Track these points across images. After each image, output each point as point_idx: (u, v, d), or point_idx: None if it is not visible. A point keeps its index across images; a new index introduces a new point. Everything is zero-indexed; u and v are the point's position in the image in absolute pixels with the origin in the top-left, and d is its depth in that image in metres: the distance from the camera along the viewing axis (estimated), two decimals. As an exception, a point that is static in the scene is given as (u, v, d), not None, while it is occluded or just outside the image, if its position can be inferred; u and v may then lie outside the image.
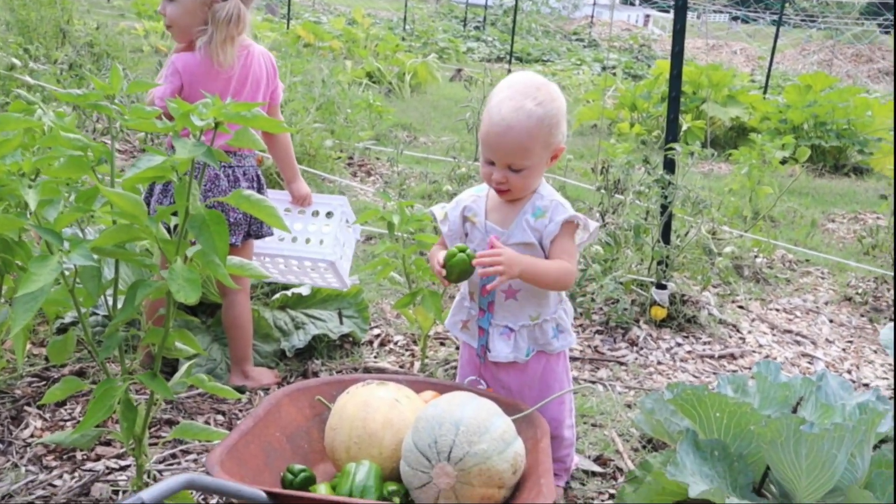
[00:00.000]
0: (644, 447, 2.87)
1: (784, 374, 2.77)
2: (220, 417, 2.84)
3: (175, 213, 1.96)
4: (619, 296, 3.70)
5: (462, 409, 1.77)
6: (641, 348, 3.79)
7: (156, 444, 2.57)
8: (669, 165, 3.87)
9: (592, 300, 3.76)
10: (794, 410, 2.48)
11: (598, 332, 3.91)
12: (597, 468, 2.70)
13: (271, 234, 3.06)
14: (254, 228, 2.98)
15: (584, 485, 2.61)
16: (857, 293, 5.00)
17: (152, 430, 2.67)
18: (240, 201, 1.91)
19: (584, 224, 2.25)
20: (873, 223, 7.25)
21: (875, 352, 4.10)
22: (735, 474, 2.46)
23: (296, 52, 7.39)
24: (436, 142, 8.59)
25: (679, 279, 4.19)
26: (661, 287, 3.97)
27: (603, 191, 4.59)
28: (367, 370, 3.25)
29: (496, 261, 2.11)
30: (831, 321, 4.53)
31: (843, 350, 4.11)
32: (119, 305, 1.99)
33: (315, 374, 3.22)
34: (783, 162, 7.05)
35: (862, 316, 4.70)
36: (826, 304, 4.86)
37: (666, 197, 3.76)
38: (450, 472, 1.71)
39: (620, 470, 2.71)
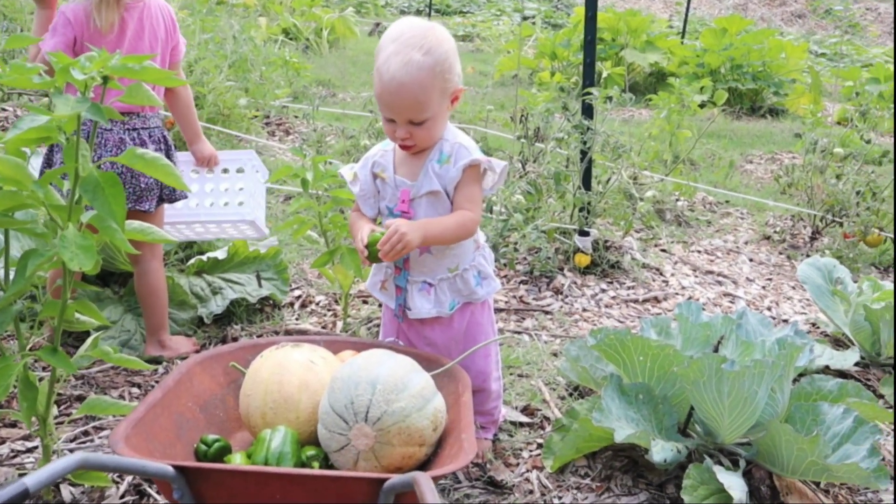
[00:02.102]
0: (571, 395, 2.87)
1: (706, 315, 2.79)
2: (135, 390, 2.73)
3: (66, 176, 1.83)
4: (542, 244, 3.67)
5: (379, 367, 1.71)
6: (566, 296, 3.78)
7: (63, 422, 2.45)
8: (588, 111, 3.83)
9: (516, 250, 3.73)
10: (716, 350, 2.50)
11: (522, 282, 3.89)
12: (524, 419, 2.68)
13: (185, 196, 2.93)
14: (166, 192, 2.86)
15: (511, 436, 2.59)
16: (774, 232, 5.09)
17: (62, 407, 2.55)
18: (133, 160, 1.80)
19: (489, 166, 2.19)
20: (789, 163, 7.39)
21: (793, 288, 4.18)
22: (660, 416, 2.47)
23: (207, 8, 7.11)
24: (355, 97, 8.43)
25: (602, 225, 4.19)
26: (584, 234, 3.97)
27: (523, 140, 4.54)
28: (287, 333, 3.16)
29: (396, 242, 2.03)
30: (751, 260, 4.60)
31: (763, 288, 4.18)
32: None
33: (234, 340, 3.13)
34: (702, 105, 7.10)
35: (780, 254, 4.79)
36: (746, 243, 4.93)
37: (585, 143, 3.73)
38: (368, 433, 1.66)
39: (548, 419, 2.70)
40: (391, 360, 1.75)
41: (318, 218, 2.96)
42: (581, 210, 3.86)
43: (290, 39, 10.53)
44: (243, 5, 11.56)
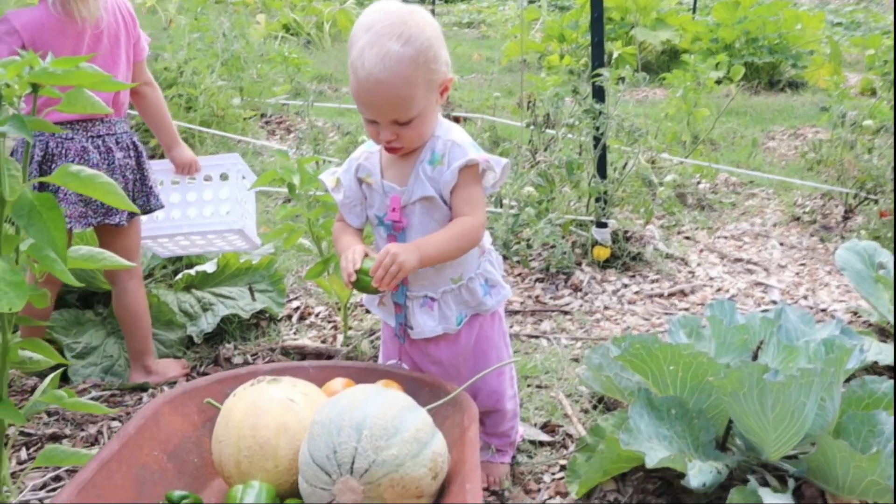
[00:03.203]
0: (595, 407, 2.60)
1: (739, 314, 2.51)
2: (115, 424, 2.49)
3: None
4: (557, 240, 3.40)
5: (365, 407, 1.46)
6: (586, 293, 3.51)
7: (28, 469, 2.21)
8: (599, 94, 3.55)
9: (529, 246, 3.46)
10: (755, 356, 2.22)
11: (538, 280, 3.62)
12: (545, 437, 2.42)
13: (161, 206, 2.69)
14: (139, 203, 2.62)
15: (531, 457, 2.34)
16: (804, 212, 4.79)
17: (32, 449, 2.31)
18: (66, 179, 1.55)
19: (488, 165, 1.91)
20: (813, 137, 7.06)
21: (829, 273, 3.89)
22: (696, 432, 2.20)
23: (202, 7, 6.85)
24: (359, 91, 8.16)
25: (620, 215, 3.92)
26: (602, 225, 3.69)
27: (532, 127, 4.26)
28: (284, 350, 2.91)
29: (389, 264, 1.77)
30: (781, 244, 4.30)
31: (797, 275, 3.89)
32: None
33: (227, 361, 2.89)
34: (718, 82, 6.80)
35: (812, 236, 4.49)
36: (774, 226, 4.64)
37: (598, 128, 3.45)
38: (355, 488, 1.40)
39: (571, 437, 2.44)
40: (380, 398, 1.49)
41: (308, 225, 2.71)
42: (597, 200, 3.58)
43: (292, 35, 10.28)
44: (243, 3, 11.31)
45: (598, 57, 3.43)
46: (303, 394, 1.64)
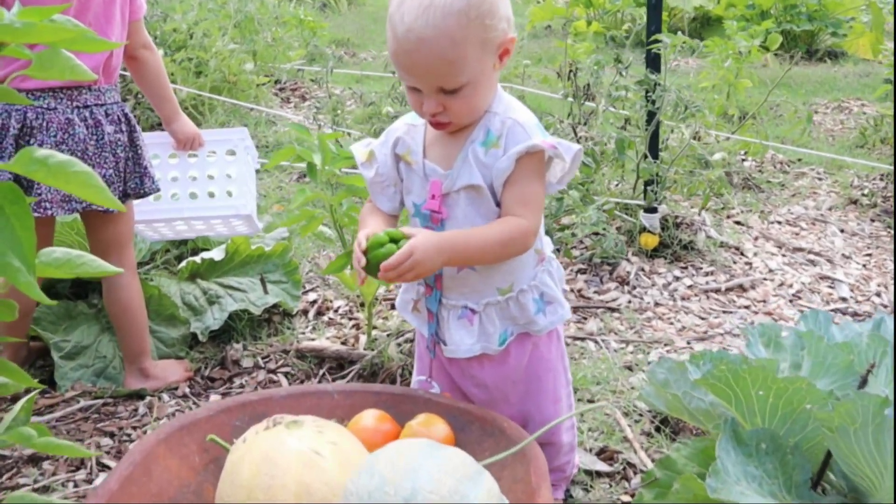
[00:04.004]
0: (658, 430, 2.26)
1: (835, 327, 2.15)
2: (106, 442, 2.16)
3: None
4: (604, 227, 3.03)
5: (414, 476, 1.11)
6: (634, 287, 3.16)
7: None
8: (654, 63, 3.17)
9: (573, 235, 3.10)
10: (864, 382, 1.87)
11: (580, 271, 3.27)
12: (602, 466, 2.08)
13: (156, 189, 2.34)
14: (131, 185, 2.27)
15: (588, 490, 2.00)
16: (862, 194, 4.40)
17: (6, 476, 1.99)
18: (30, 167, 1.19)
19: (556, 153, 1.55)
20: (858, 111, 6.65)
21: (900, 265, 3.52)
22: (789, 471, 1.85)
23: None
24: (377, 57, 7.77)
25: (669, 198, 3.55)
26: (651, 210, 3.32)
27: (571, 99, 3.88)
28: (299, 352, 2.57)
29: (403, 268, 1.45)
30: (842, 231, 3.93)
31: (864, 266, 3.52)
32: None
33: (236, 363, 2.55)
34: (740, 53, 6.39)
35: (873, 221, 4.12)
36: (830, 209, 4.26)
37: (654, 102, 3.07)
38: (401, 588, 1.06)
39: (633, 466, 2.09)
40: (432, 462, 1.14)
41: (330, 210, 2.36)
42: (648, 183, 3.21)
43: (306, -3, 9.85)
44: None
45: (656, 21, 3.05)
46: (331, 443, 1.30)
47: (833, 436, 1.74)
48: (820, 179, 4.79)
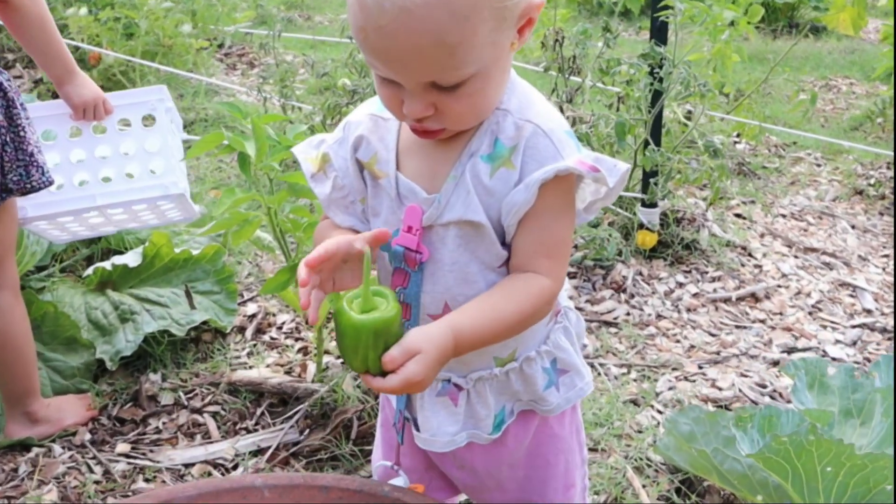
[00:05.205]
0: (679, 491, 1.81)
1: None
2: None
3: None
4: (601, 230, 2.56)
5: None
6: (632, 296, 2.71)
7: None
8: (660, 33, 2.70)
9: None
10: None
11: (569, 275, 2.80)
12: (615, 547, 1.63)
13: (48, 182, 1.81)
14: (13, 179, 1.74)
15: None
16: (869, 184, 4.00)
17: None
18: None
19: (597, 175, 1.04)
20: (847, 90, 6.28)
21: (924, 268, 3.12)
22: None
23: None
24: (334, 21, 7.18)
25: (671, 191, 3.09)
26: (651, 205, 2.86)
27: (554, 73, 3.39)
28: (231, 385, 2.07)
29: (406, 379, 0.97)
30: (853, 227, 3.51)
31: (884, 270, 3.11)
32: None
33: (152, 399, 2.05)
34: (731, 24, 5.97)
35: (882, 215, 3.72)
36: (835, 200, 3.85)
37: (661, 80, 2.59)
38: None
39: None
40: None
41: (269, 216, 1.85)
42: (651, 175, 2.74)
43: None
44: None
45: (664, -16, 2.57)
46: None
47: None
48: (818, 166, 4.38)
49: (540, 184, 1.01)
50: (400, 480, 1.25)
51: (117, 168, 2.09)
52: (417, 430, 1.20)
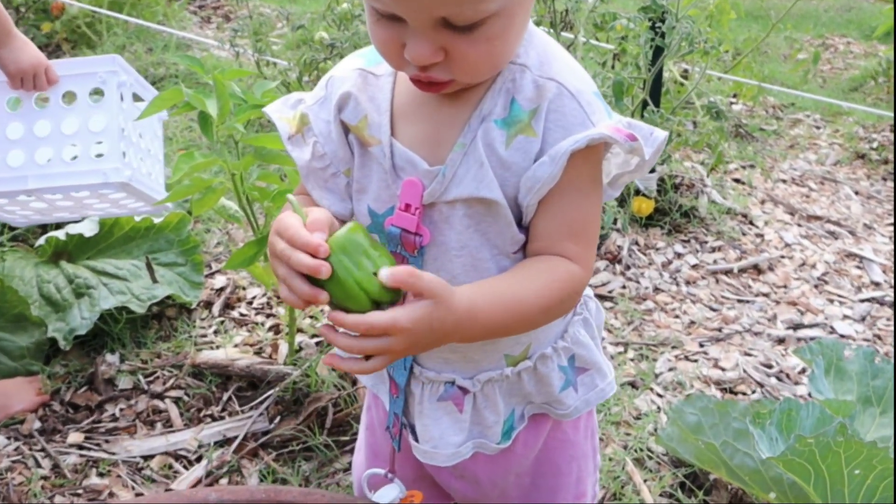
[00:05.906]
0: (683, 486, 1.67)
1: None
2: None
3: None
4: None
5: None
6: (628, 267, 2.55)
7: None
8: (661, -16, 2.50)
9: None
10: None
11: (561, 245, 2.63)
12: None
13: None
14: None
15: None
16: (871, 148, 3.84)
17: None
18: None
19: (633, 146, 0.86)
20: (845, 49, 6.09)
21: (933, 238, 2.97)
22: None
23: None
24: (314, -28, 6.90)
25: (671, 155, 2.92)
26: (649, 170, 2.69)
27: (547, 28, 3.19)
28: (195, 367, 1.90)
29: (371, 346, 0.80)
30: (857, 193, 3.36)
31: (891, 239, 2.96)
32: None
33: (109, 383, 1.88)
34: None
35: (885, 179, 3.56)
36: (836, 164, 3.69)
37: (663, 35, 2.40)
38: None
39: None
40: None
41: (234, 182, 1.67)
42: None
43: None
44: None
45: (669, -70, 2.37)
46: None
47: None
48: (818, 128, 4.22)
49: (569, 154, 0.84)
50: (394, 490, 1.09)
51: (58, 149, 1.84)
52: (416, 439, 1.03)
